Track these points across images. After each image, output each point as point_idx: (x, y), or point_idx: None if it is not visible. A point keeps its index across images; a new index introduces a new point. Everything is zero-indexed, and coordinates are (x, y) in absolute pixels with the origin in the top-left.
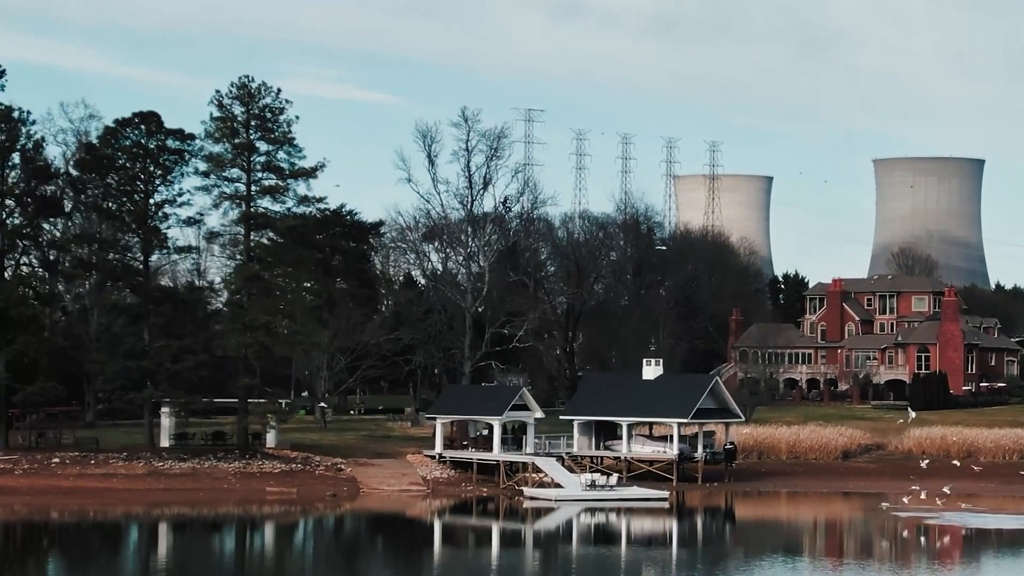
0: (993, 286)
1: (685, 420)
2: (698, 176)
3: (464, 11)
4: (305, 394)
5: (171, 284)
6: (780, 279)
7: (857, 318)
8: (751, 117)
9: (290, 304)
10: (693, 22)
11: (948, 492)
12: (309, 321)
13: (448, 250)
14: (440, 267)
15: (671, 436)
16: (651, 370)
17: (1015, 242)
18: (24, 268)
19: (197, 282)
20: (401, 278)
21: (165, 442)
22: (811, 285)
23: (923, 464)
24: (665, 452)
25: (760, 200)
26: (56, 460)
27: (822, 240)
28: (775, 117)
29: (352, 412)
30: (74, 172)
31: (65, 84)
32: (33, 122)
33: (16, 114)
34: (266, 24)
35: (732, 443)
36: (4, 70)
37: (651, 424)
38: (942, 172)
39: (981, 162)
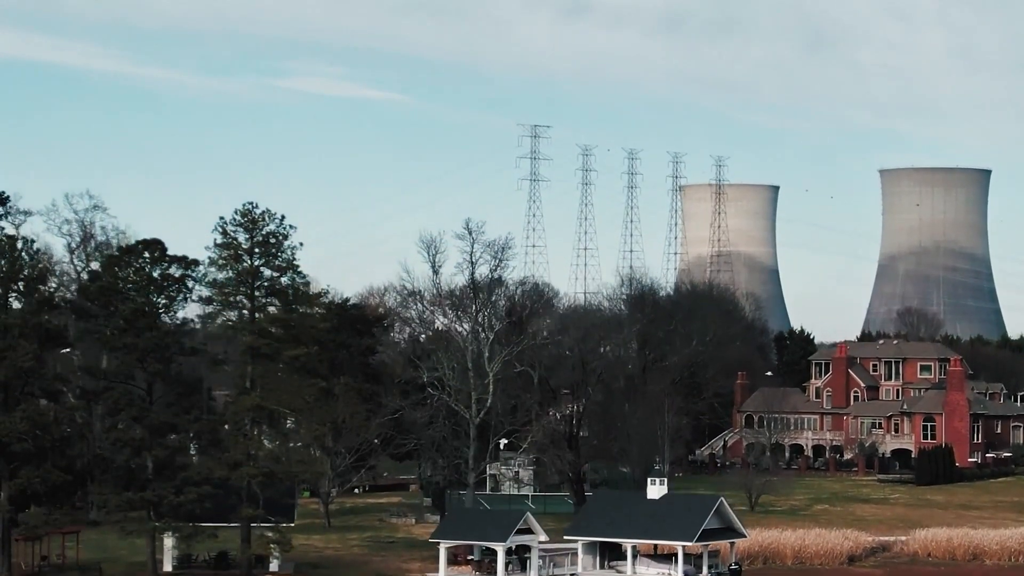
0: (998, 295)
1: (690, 543)
2: (704, 186)
3: (470, 9)
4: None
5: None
6: (786, 335)
7: (863, 384)
8: (757, 115)
9: (292, 435)
10: (699, 20)
11: None
12: (313, 450)
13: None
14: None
15: (676, 556)
16: (656, 489)
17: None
18: (27, 399)
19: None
20: (403, 344)
21: (168, 563)
22: (816, 341)
23: None
24: (670, 574)
25: (766, 210)
26: None
27: (828, 254)
28: (781, 114)
29: (356, 490)
30: (79, 264)
31: (67, 83)
32: (37, 251)
33: (20, 243)
34: (272, 22)
35: (737, 563)
36: (8, 196)
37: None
38: (948, 183)
39: (987, 172)
